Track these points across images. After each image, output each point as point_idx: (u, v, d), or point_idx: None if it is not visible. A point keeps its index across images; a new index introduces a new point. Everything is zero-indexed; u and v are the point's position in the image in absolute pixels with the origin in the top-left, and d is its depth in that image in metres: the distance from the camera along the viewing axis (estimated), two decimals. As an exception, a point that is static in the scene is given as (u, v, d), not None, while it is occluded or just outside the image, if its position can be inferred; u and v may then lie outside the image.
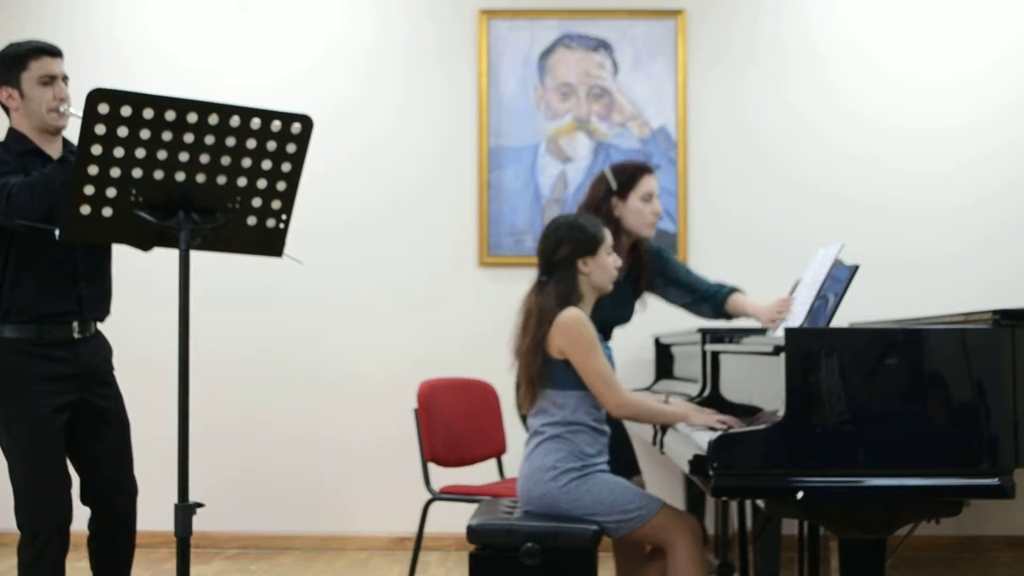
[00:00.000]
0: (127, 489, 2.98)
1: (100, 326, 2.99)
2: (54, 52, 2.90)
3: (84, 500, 2.93)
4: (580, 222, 3.06)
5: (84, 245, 2.85)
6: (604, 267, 3.05)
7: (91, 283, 2.91)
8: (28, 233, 2.70)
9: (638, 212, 3.47)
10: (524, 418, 3.65)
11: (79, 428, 2.89)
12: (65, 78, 2.91)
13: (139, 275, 4.24)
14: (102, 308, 2.98)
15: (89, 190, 2.36)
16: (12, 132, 2.90)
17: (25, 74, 2.84)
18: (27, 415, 2.79)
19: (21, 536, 2.80)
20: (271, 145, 2.47)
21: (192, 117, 2.36)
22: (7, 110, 2.91)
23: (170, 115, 2.34)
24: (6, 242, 2.79)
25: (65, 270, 2.84)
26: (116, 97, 2.31)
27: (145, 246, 2.78)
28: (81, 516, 2.91)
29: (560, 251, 3.02)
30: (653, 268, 3.66)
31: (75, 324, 2.85)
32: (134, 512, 2.99)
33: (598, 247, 3.03)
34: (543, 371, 2.96)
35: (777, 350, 2.43)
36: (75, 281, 2.87)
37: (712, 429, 2.74)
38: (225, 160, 2.43)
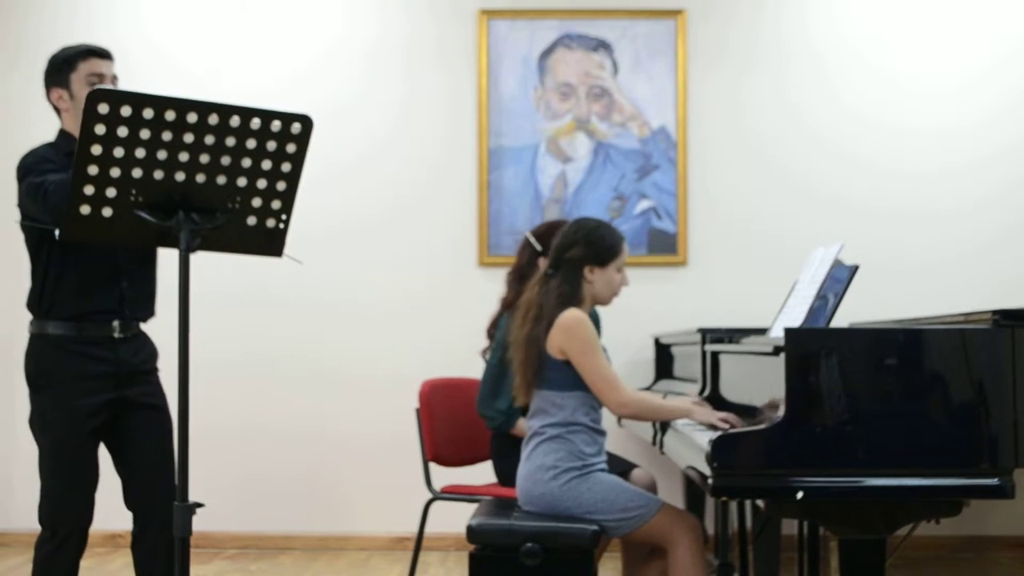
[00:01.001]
0: (168, 491, 2.93)
1: (144, 326, 2.99)
2: (103, 54, 2.93)
3: (127, 503, 2.92)
4: (601, 231, 3.06)
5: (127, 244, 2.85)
6: (609, 282, 3.06)
7: (134, 282, 2.91)
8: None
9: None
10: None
11: (118, 427, 2.89)
12: (114, 79, 2.94)
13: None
14: (145, 308, 2.99)
15: (89, 190, 2.35)
16: (62, 133, 2.94)
17: (74, 75, 2.88)
18: (61, 412, 2.81)
19: (41, 531, 2.82)
20: (271, 145, 2.46)
21: (192, 117, 2.36)
22: (58, 111, 2.95)
23: (170, 115, 2.34)
24: (48, 240, 2.81)
25: (107, 268, 2.85)
26: (116, 97, 2.31)
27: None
28: (108, 517, 2.91)
29: (572, 251, 3.03)
30: None
31: (116, 323, 2.86)
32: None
33: (609, 261, 3.04)
34: (536, 363, 2.97)
35: (777, 350, 2.43)
36: (117, 279, 2.87)
37: (713, 428, 2.75)
38: (225, 160, 2.43)
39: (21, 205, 2.83)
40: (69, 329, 2.84)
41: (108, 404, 2.85)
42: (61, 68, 2.90)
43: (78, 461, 2.82)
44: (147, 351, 2.99)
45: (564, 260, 3.03)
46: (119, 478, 2.94)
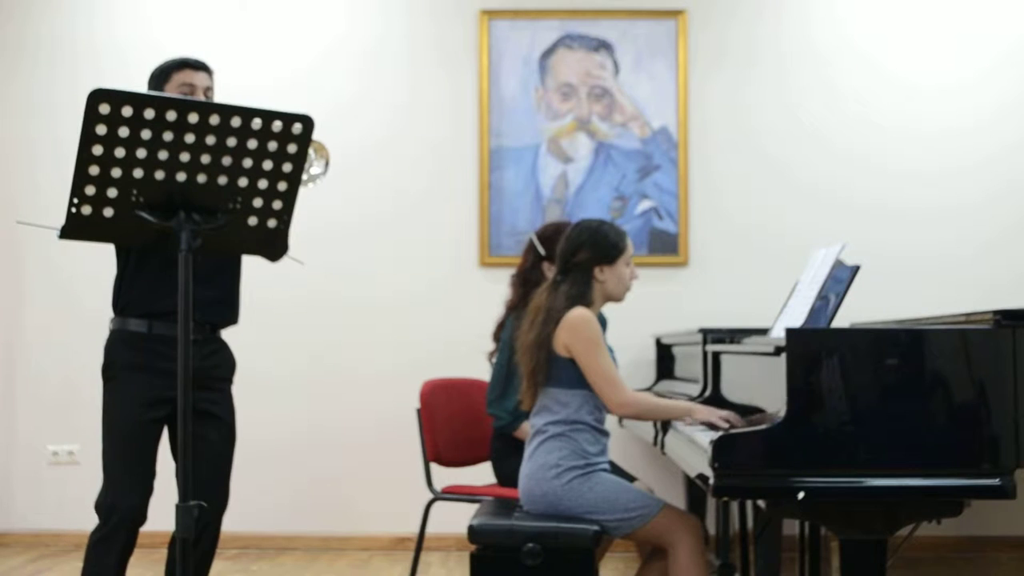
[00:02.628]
0: (218, 497, 3.01)
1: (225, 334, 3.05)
2: (198, 66, 2.99)
3: None
4: (604, 230, 3.07)
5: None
6: (620, 278, 3.06)
7: (209, 286, 2.92)
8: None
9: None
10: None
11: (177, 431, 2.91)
12: (207, 91, 2.99)
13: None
14: (220, 313, 3.03)
15: (90, 190, 2.35)
16: None
17: (167, 85, 2.96)
18: (124, 402, 2.88)
19: (98, 521, 2.86)
20: (272, 145, 2.46)
21: (193, 117, 2.36)
22: None
23: (171, 115, 2.34)
24: None
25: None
26: (117, 97, 2.30)
27: (268, 255, 2.72)
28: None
29: (579, 255, 3.03)
30: None
31: None
32: (220, 521, 3.04)
33: (617, 257, 3.05)
34: (545, 368, 2.97)
35: (778, 350, 2.43)
36: (191, 288, 2.87)
37: (714, 427, 2.75)
38: (226, 160, 2.42)
39: None
40: (142, 326, 2.92)
41: (169, 401, 2.86)
42: (159, 79, 2.98)
43: (133, 454, 2.88)
44: (220, 358, 3.05)
45: (572, 264, 3.04)
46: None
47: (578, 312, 2.96)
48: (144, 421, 2.89)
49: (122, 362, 2.92)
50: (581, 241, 3.04)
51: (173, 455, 2.97)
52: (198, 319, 2.90)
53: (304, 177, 2.94)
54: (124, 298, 2.95)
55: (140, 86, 2.82)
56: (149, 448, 2.91)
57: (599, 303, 3.07)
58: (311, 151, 2.96)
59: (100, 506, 2.87)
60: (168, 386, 2.85)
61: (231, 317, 3.09)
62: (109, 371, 2.95)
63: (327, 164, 2.97)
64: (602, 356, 2.93)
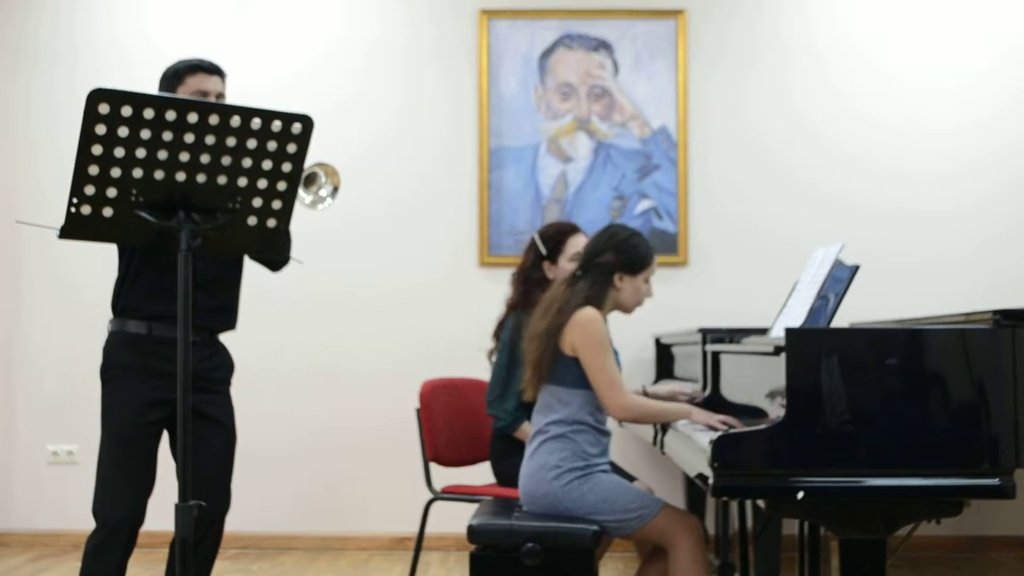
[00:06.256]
0: (220, 498, 3.00)
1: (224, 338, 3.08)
2: (211, 69, 3.02)
3: None
4: (636, 240, 3.08)
5: (208, 255, 2.86)
6: (637, 291, 3.07)
7: (208, 293, 2.94)
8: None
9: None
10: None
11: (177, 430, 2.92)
12: (219, 96, 3.01)
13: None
14: (219, 318, 3.04)
15: (90, 190, 2.35)
16: None
17: (181, 88, 2.97)
18: (122, 404, 2.89)
19: (95, 525, 2.84)
20: (271, 145, 2.46)
21: (193, 117, 2.36)
22: None
23: (171, 115, 2.34)
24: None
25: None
26: (116, 97, 2.30)
27: (268, 254, 2.74)
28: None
29: (604, 256, 3.04)
30: None
31: None
32: (222, 522, 3.03)
33: (640, 270, 3.05)
34: (550, 362, 2.97)
35: (778, 350, 2.43)
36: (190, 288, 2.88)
37: (712, 429, 2.75)
38: (226, 160, 2.42)
39: None
40: (141, 328, 2.92)
41: (168, 403, 2.85)
42: (171, 82, 2.98)
43: (132, 457, 2.87)
44: (219, 360, 3.06)
45: (595, 264, 3.04)
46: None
47: (587, 312, 2.96)
48: (144, 424, 2.89)
49: (121, 364, 2.93)
50: (611, 244, 3.05)
51: (173, 456, 2.96)
52: (197, 323, 2.88)
53: (310, 199, 2.94)
54: (124, 300, 2.95)
55: (140, 86, 2.81)
56: (149, 451, 2.91)
57: (608, 308, 3.07)
58: (321, 172, 2.95)
59: (99, 512, 2.85)
60: (167, 388, 2.84)
61: (230, 323, 3.11)
62: (108, 372, 2.95)
63: (335, 190, 2.96)
64: (606, 357, 2.93)
